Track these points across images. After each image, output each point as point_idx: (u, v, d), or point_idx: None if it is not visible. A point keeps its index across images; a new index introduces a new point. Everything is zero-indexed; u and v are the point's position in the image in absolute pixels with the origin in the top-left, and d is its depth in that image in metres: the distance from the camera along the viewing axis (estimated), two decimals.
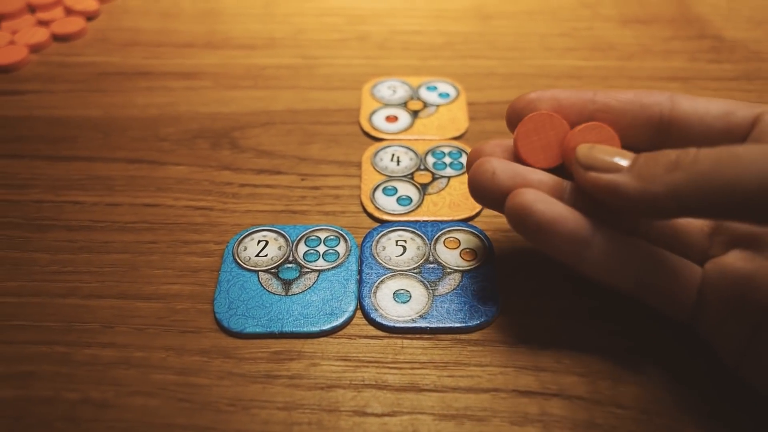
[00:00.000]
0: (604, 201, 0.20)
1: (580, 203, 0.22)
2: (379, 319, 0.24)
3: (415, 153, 0.31)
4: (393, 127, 0.33)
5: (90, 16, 0.41)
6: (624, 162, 0.20)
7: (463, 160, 0.31)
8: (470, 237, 0.27)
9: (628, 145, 0.23)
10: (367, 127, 0.33)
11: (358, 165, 0.31)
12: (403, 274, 0.25)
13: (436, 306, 0.24)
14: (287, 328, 0.24)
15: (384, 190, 0.29)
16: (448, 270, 0.26)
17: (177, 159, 0.31)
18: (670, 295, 0.21)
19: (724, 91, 0.36)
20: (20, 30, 0.39)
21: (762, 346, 0.20)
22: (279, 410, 0.21)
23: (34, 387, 0.22)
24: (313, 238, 0.27)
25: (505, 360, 0.23)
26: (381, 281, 0.25)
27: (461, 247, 0.26)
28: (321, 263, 0.26)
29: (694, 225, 0.22)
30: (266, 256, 0.26)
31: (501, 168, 0.22)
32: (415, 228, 0.27)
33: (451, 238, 0.27)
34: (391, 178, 0.30)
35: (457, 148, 0.31)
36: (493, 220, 0.28)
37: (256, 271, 0.26)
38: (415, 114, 0.34)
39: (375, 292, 0.25)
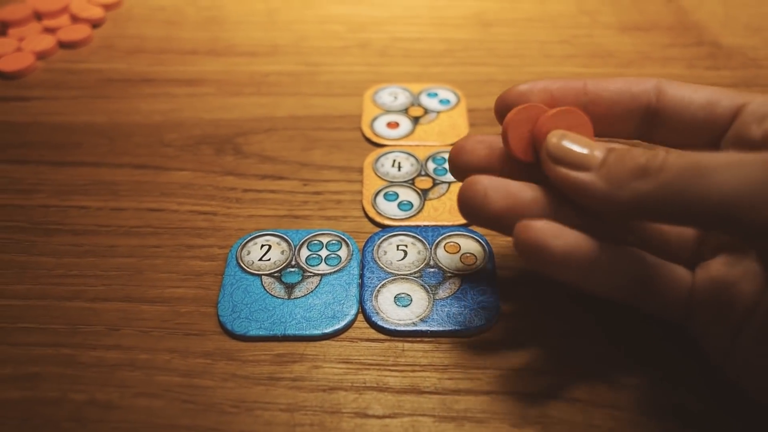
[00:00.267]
0: (572, 197, 0.20)
1: (573, 217, 0.21)
2: (380, 323, 0.24)
3: (416, 159, 0.31)
4: (394, 133, 0.33)
5: (95, 24, 0.42)
6: (594, 157, 0.20)
7: None
8: (470, 242, 0.27)
9: (615, 133, 0.23)
10: (368, 133, 0.33)
11: (360, 170, 0.31)
12: (404, 278, 0.26)
13: (437, 310, 0.25)
14: (290, 331, 0.24)
15: (385, 195, 0.29)
16: (449, 274, 0.26)
17: (181, 164, 0.32)
18: (664, 301, 0.22)
19: None
20: (27, 37, 0.40)
21: (744, 347, 0.20)
22: (282, 412, 0.22)
23: (40, 388, 0.22)
24: (315, 242, 0.27)
25: (504, 363, 0.23)
26: (382, 285, 0.25)
27: (461, 252, 0.27)
28: (323, 267, 0.26)
29: (684, 230, 0.23)
30: (269, 260, 0.26)
31: (492, 188, 0.21)
32: (415, 233, 0.28)
33: (452, 243, 0.27)
34: (392, 183, 0.30)
35: None
36: None
37: (260, 275, 0.26)
38: (416, 120, 0.34)
39: (376, 296, 0.25)
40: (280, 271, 0.26)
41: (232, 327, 0.24)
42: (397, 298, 0.25)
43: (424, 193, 0.30)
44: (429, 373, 0.23)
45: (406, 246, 0.27)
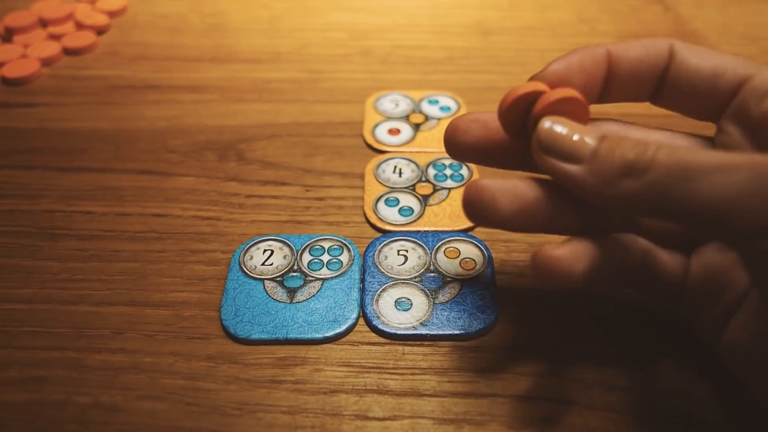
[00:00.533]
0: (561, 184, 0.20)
1: (575, 206, 0.21)
2: (380, 327, 0.24)
3: (417, 165, 0.32)
4: (395, 139, 0.34)
5: (100, 31, 0.42)
6: (584, 147, 0.19)
7: (464, 172, 0.31)
8: (470, 247, 0.27)
9: (632, 97, 0.23)
10: (370, 140, 0.34)
11: (361, 176, 0.32)
12: (404, 283, 0.26)
13: (437, 314, 0.25)
14: (292, 335, 0.24)
15: (386, 201, 0.30)
16: (448, 279, 0.26)
17: (185, 170, 0.32)
18: (660, 287, 0.22)
19: None
20: (32, 44, 0.40)
21: (735, 331, 0.21)
22: (283, 414, 0.22)
23: (46, 391, 0.23)
24: (317, 247, 0.28)
25: (503, 366, 0.23)
26: (383, 289, 0.26)
27: (461, 257, 0.27)
28: (325, 272, 0.27)
29: None
30: (271, 264, 0.27)
31: (501, 193, 0.21)
32: (416, 238, 0.28)
33: (452, 248, 0.27)
34: (393, 189, 0.31)
35: None
36: (492, 231, 0.29)
37: (262, 280, 0.26)
38: (416, 127, 0.35)
39: (377, 300, 0.25)
40: (282, 275, 0.26)
41: (235, 331, 0.24)
42: (397, 303, 0.25)
43: (424, 199, 0.30)
44: (429, 376, 0.23)
45: (406, 251, 0.27)
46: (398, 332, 0.24)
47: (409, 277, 0.26)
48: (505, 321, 0.25)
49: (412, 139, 0.34)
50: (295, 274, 0.27)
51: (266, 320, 0.25)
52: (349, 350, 0.24)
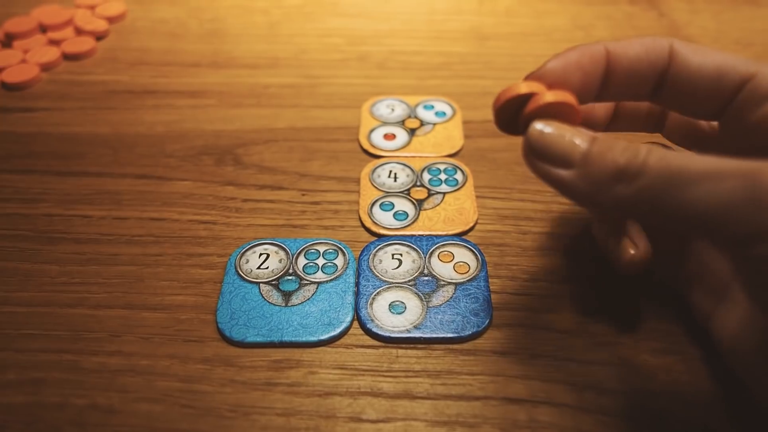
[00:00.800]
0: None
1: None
2: (375, 330, 0.25)
3: (412, 170, 0.32)
4: (391, 144, 0.34)
5: (99, 36, 0.43)
6: (575, 150, 0.19)
7: (458, 177, 0.32)
8: (464, 251, 0.28)
9: (631, 96, 0.23)
10: (366, 145, 0.34)
11: (357, 181, 0.32)
12: (398, 287, 0.26)
13: (430, 317, 0.25)
14: (287, 338, 0.24)
15: (381, 205, 0.30)
16: (442, 282, 0.26)
17: (183, 175, 0.32)
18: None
19: None
20: (32, 49, 0.41)
21: (725, 314, 0.22)
22: (278, 416, 0.22)
23: (44, 393, 0.23)
24: (312, 251, 0.28)
25: (495, 369, 0.24)
26: (377, 293, 0.26)
27: (455, 261, 0.27)
28: (320, 275, 0.27)
29: None
30: (267, 268, 0.27)
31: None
32: (410, 242, 0.28)
33: (446, 252, 0.28)
34: (388, 193, 0.31)
35: (452, 165, 0.32)
36: (485, 235, 0.29)
37: (258, 283, 0.27)
38: (412, 132, 0.35)
39: (371, 304, 0.26)
40: (277, 279, 0.27)
41: (231, 334, 0.25)
42: (391, 306, 0.26)
43: (419, 204, 0.30)
44: (422, 379, 0.23)
45: (401, 255, 0.28)
46: (392, 335, 0.25)
47: (404, 280, 0.27)
48: (498, 324, 0.25)
49: (408, 144, 0.34)
50: (290, 277, 0.27)
51: (261, 323, 0.25)
52: (344, 353, 0.24)
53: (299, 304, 0.26)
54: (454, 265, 0.27)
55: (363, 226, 0.29)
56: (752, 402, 0.22)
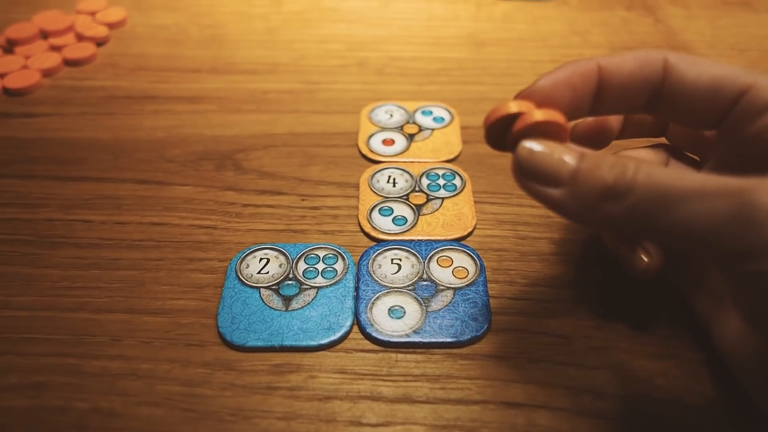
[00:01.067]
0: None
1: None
2: (374, 334, 0.25)
3: (411, 175, 0.32)
4: (390, 150, 0.34)
5: (100, 42, 0.43)
6: (564, 168, 0.19)
7: (457, 182, 0.32)
8: (462, 256, 0.28)
9: (626, 110, 0.23)
10: (364, 150, 0.34)
11: (356, 186, 0.32)
12: (397, 291, 0.27)
13: (429, 322, 0.25)
14: (287, 342, 0.25)
15: (380, 210, 0.30)
16: (441, 287, 0.27)
17: (183, 180, 0.32)
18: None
19: None
20: (33, 55, 0.41)
21: (723, 315, 0.22)
22: (278, 420, 0.23)
23: (45, 397, 0.23)
24: (312, 256, 0.28)
25: (494, 373, 0.24)
26: (377, 298, 0.26)
27: (454, 266, 0.28)
28: (320, 280, 0.27)
29: None
30: (267, 273, 0.27)
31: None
32: (409, 247, 0.28)
33: (444, 257, 0.28)
34: (387, 199, 0.31)
35: (451, 170, 0.33)
36: (484, 240, 0.29)
37: (258, 288, 0.27)
38: (410, 137, 0.35)
39: (371, 308, 0.26)
40: (278, 283, 0.27)
41: (231, 338, 0.25)
42: (391, 311, 0.26)
43: (418, 209, 0.31)
44: (421, 383, 0.24)
45: (400, 260, 0.28)
46: (392, 340, 0.25)
47: (403, 285, 0.27)
48: (497, 329, 0.25)
49: (406, 149, 0.34)
50: (290, 282, 0.27)
51: (262, 328, 0.25)
52: (344, 357, 0.25)
53: (299, 308, 0.26)
54: (453, 270, 0.27)
55: (362, 231, 0.30)
56: (750, 407, 0.22)
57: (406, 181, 0.32)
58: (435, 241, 0.29)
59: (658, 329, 0.25)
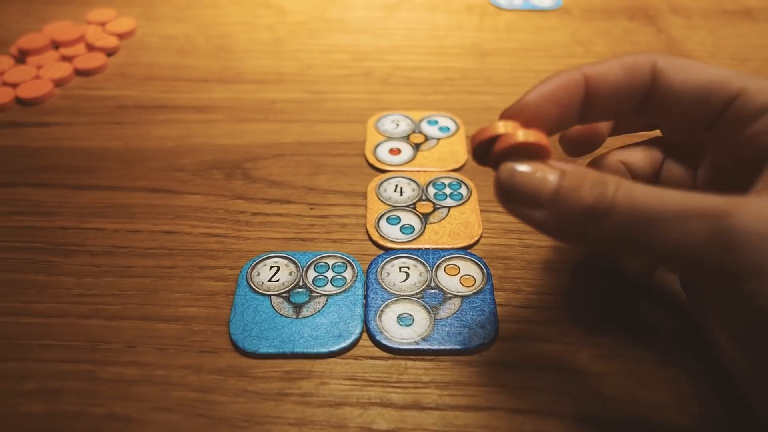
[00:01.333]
0: None
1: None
2: (384, 342, 0.25)
3: (417, 184, 0.33)
4: (396, 159, 0.35)
5: (110, 52, 0.44)
6: (544, 192, 0.19)
7: (463, 191, 0.32)
8: (469, 264, 0.29)
9: (614, 116, 0.23)
10: (371, 159, 0.35)
11: (364, 195, 0.33)
12: (406, 299, 0.27)
13: (438, 329, 0.26)
14: (298, 349, 0.25)
15: (388, 219, 0.31)
16: (449, 295, 0.27)
17: (193, 188, 0.33)
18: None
19: None
20: (45, 65, 0.41)
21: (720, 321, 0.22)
22: (290, 426, 0.23)
23: (62, 402, 0.24)
24: (321, 264, 0.29)
25: (502, 381, 0.24)
26: (385, 305, 0.27)
27: (461, 274, 0.28)
28: (329, 288, 0.28)
29: None
30: (278, 281, 0.28)
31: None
32: (417, 255, 0.29)
33: (452, 265, 0.29)
34: (394, 207, 0.32)
35: (457, 179, 0.33)
36: (491, 249, 0.30)
37: (269, 295, 0.27)
38: (417, 147, 0.36)
39: (380, 316, 0.26)
40: (288, 291, 0.27)
41: (243, 345, 0.25)
42: (399, 318, 0.26)
43: (425, 217, 0.31)
44: (430, 390, 0.24)
45: (408, 268, 0.28)
46: (401, 347, 0.25)
47: (411, 293, 0.27)
48: (504, 337, 0.26)
49: (413, 158, 0.35)
50: (300, 290, 0.28)
51: (273, 335, 0.26)
52: (354, 364, 0.25)
53: (310, 316, 0.26)
54: (460, 278, 0.28)
55: (370, 239, 0.30)
56: (753, 415, 0.22)
57: (413, 190, 0.33)
58: (442, 249, 0.29)
59: (665, 337, 0.26)
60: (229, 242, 0.30)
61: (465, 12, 0.49)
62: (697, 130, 0.23)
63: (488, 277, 0.28)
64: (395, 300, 0.27)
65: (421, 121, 0.38)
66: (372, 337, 0.26)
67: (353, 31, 0.47)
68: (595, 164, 0.25)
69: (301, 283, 0.28)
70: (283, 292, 0.27)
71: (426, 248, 0.29)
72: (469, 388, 0.24)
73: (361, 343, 0.26)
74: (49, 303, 0.27)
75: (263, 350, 0.25)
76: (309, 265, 0.29)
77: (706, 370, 0.24)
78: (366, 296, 0.27)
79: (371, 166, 0.35)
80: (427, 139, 0.36)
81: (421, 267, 0.28)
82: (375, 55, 0.44)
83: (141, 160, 0.35)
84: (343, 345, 0.25)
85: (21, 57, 0.42)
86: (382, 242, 0.30)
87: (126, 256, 0.29)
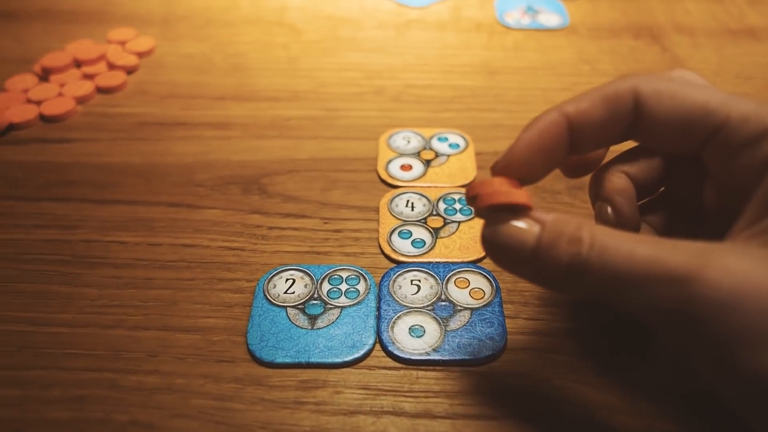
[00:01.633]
0: None
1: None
2: (396, 352, 0.26)
3: (428, 199, 0.34)
4: (407, 175, 0.36)
5: (130, 71, 0.45)
6: (524, 252, 0.20)
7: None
8: (479, 277, 0.29)
9: (601, 145, 0.24)
10: (383, 175, 0.36)
11: (376, 210, 0.34)
12: (417, 311, 0.28)
13: (448, 340, 0.27)
14: (313, 359, 0.26)
15: (400, 233, 0.32)
16: (459, 308, 0.28)
17: (212, 203, 0.34)
18: None
19: None
20: (67, 83, 0.43)
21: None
22: None
23: (86, 409, 0.25)
24: (335, 277, 0.30)
25: (510, 390, 0.25)
26: (398, 317, 0.28)
27: (471, 287, 0.29)
28: (343, 300, 0.28)
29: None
30: (293, 293, 0.29)
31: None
32: (428, 269, 0.30)
33: (462, 279, 0.29)
34: (406, 222, 0.33)
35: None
36: None
37: (285, 307, 0.28)
38: (427, 163, 0.37)
39: (392, 327, 0.27)
40: (303, 303, 0.28)
41: (261, 355, 0.26)
42: (411, 330, 0.27)
43: (435, 232, 0.32)
44: (441, 399, 0.25)
45: (419, 281, 0.29)
46: (412, 357, 0.26)
47: (422, 305, 0.28)
48: (513, 348, 0.27)
49: (424, 174, 0.36)
50: (315, 302, 0.28)
51: (289, 345, 0.27)
52: (367, 374, 0.26)
53: (324, 327, 0.27)
54: (470, 291, 0.29)
55: (383, 253, 0.31)
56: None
57: (424, 205, 0.34)
58: (452, 263, 0.30)
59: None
60: (246, 255, 0.31)
61: (474, 31, 0.51)
62: (686, 155, 0.23)
63: (497, 290, 0.29)
64: (407, 312, 0.28)
65: (432, 137, 0.39)
66: (384, 348, 0.27)
67: (365, 50, 0.48)
68: (597, 178, 0.25)
69: (315, 295, 0.29)
70: (298, 304, 0.28)
71: (437, 262, 0.30)
72: (478, 397, 0.25)
73: (374, 353, 0.27)
74: (74, 313, 0.28)
75: (279, 360, 0.26)
76: (323, 278, 0.29)
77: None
78: (379, 308, 0.28)
79: (383, 181, 0.36)
80: (437, 155, 0.37)
81: (432, 280, 0.29)
82: (387, 74, 0.45)
83: (161, 176, 0.36)
84: (356, 355, 0.26)
85: (44, 75, 0.44)
86: (394, 256, 0.31)
87: (147, 268, 0.30)
